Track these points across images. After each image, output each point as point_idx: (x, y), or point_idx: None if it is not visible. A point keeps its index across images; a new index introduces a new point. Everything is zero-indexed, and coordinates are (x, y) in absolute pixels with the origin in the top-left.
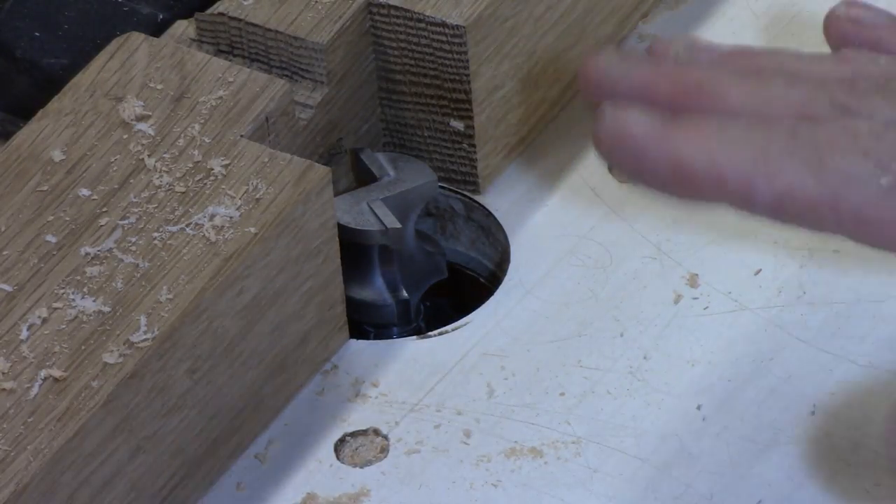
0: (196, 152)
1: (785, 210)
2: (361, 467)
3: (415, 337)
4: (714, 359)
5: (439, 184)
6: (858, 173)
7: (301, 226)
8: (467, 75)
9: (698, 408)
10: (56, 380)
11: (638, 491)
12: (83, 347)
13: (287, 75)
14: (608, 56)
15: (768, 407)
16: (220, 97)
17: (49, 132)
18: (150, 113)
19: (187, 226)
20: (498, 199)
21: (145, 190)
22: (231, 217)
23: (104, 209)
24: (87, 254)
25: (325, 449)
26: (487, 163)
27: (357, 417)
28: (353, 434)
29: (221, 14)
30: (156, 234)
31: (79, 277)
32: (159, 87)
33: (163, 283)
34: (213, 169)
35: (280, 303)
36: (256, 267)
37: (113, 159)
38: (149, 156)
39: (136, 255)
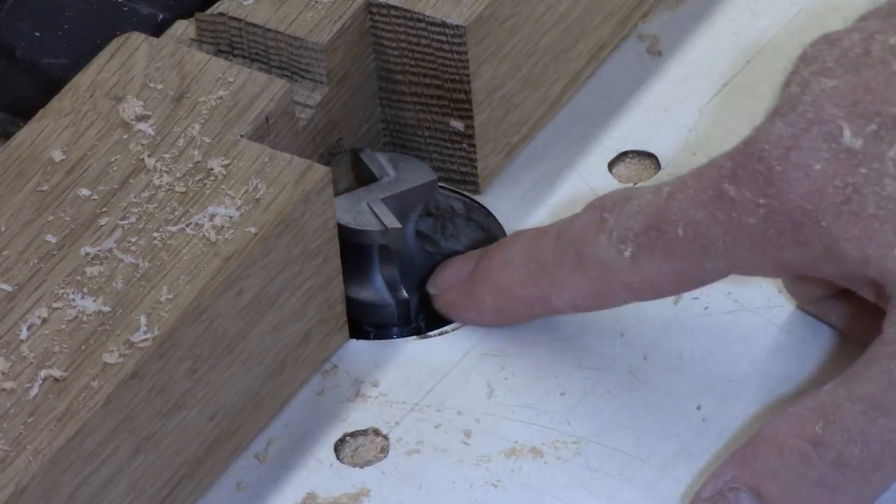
0: (196, 152)
1: (586, 308)
2: (361, 467)
3: (415, 337)
4: (714, 359)
5: (439, 184)
6: (608, 254)
7: (301, 226)
8: (467, 75)
9: (698, 408)
10: (56, 380)
11: (638, 491)
12: (83, 347)
13: (287, 75)
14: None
15: (768, 407)
16: (220, 97)
17: (49, 132)
18: (150, 113)
19: (187, 226)
20: (498, 199)
21: (145, 190)
22: (231, 217)
23: (104, 209)
24: (87, 254)
25: (325, 449)
26: (487, 163)
27: (357, 417)
28: (353, 434)
29: (221, 14)
30: (156, 234)
31: (79, 277)
32: (159, 87)
33: (163, 283)
34: (213, 169)
35: (280, 303)
36: (256, 267)
37: (113, 159)
38: (149, 156)
39: (136, 255)
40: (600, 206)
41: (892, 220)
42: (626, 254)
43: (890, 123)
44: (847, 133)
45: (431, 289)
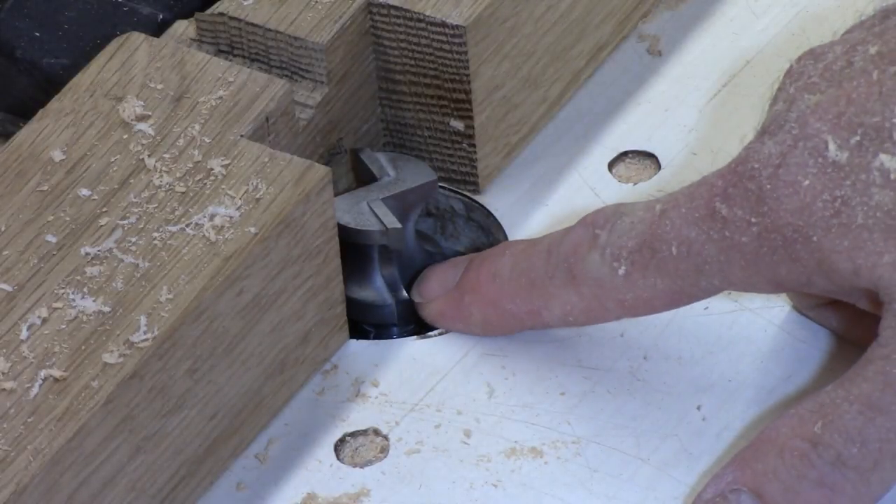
0: (196, 152)
1: (576, 323)
2: (361, 467)
3: (415, 337)
4: (714, 359)
5: (439, 184)
6: (601, 271)
7: (301, 226)
8: (467, 75)
9: (698, 408)
10: (56, 380)
11: (638, 491)
12: (83, 347)
13: (287, 75)
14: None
15: (768, 407)
16: (220, 97)
17: (49, 132)
18: (150, 113)
19: (187, 226)
20: (498, 199)
21: (145, 190)
22: (231, 217)
23: (104, 209)
24: (87, 254)
25: (325, 449)
26: (487, 163)
27: (357, 417)
28: (353, 434)
29: (221, 14)
30: (156, 234)
31: (79, 277)
32: (159, 87)
33: (163, 283)
34: (213, 169)
35: (280, 303)
36: (256, 267)
37: (113, 159)
38: (149, 156)
39: (136, 255)
40: (592, 222)
41: (881, 229)
42: (620, 272)
43: (873, 133)
44: (832, 146)
45: (416, 297)
